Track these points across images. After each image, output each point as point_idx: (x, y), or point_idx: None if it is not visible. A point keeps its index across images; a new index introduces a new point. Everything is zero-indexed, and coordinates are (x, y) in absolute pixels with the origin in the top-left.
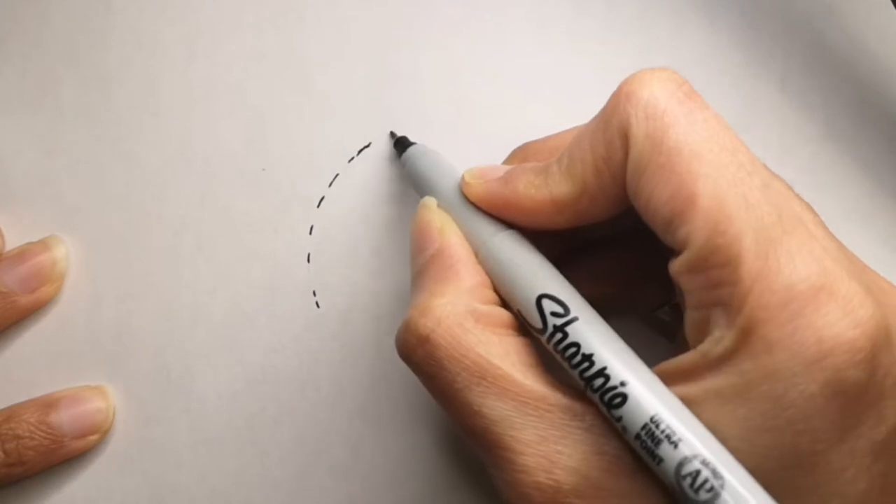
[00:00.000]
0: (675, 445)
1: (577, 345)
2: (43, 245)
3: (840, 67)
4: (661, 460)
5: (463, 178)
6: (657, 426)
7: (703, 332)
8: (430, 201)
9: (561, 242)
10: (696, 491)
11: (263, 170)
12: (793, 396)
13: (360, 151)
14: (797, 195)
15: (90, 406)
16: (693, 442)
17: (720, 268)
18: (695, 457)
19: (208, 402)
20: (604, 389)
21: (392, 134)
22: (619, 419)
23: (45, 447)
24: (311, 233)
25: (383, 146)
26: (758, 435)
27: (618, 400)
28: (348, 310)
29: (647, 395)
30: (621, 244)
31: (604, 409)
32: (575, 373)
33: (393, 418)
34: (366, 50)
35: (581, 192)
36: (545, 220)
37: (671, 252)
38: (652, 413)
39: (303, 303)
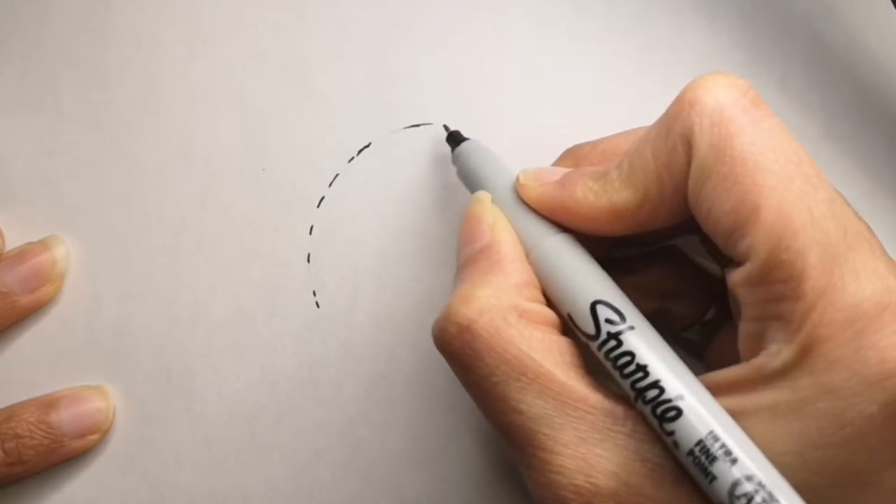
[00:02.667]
0: (733, 464)
1: (631, 354)
2: (43, 245)
3: (840, 67)
4: (714, 478)
5: (518, 179)
6: (714, 443)
7: (758, 346)
8: (483, 195)
9: (601, 250)
10: None
11: (263, 170)
12: (851, 415)
13: (360, 151)
14: (856, 212)
15: (90, 406)
16: (749, 463)
17: (783, 282)
18: (750, 478)
19: (208, 402)
20: (657, 402)
21: (445, 127)
22: (671, 433)
23: (45, 447)
24: (311, 233)
25: (383, 146)
26: (811, 451)
27: (672, 413)
28: (348, 310)
29: (703, 410)
30: (659, 257)
31: (654, 422)
32: (626, 382)
33: (393, 418)
34: (366, 50)
35: (642, 201)
36: (602, 227)
37: (729, 262)
38: (709, 429)
39: (303, 303)
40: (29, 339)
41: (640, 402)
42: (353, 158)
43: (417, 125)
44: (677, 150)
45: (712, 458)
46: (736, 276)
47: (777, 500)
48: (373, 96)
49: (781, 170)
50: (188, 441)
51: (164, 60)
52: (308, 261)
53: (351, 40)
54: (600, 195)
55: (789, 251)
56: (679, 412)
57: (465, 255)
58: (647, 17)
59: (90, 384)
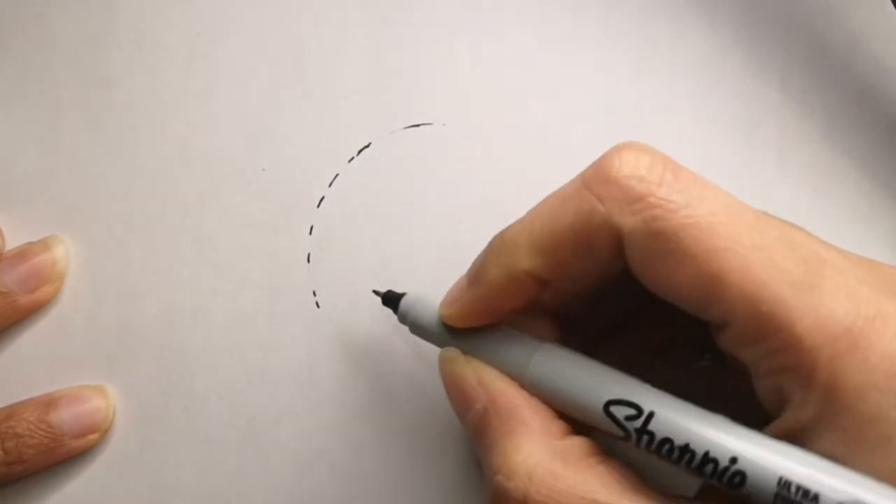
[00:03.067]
0: (817, 500)
1: (668, 440)
2: (43, 245)
3: (840, 67)
4: None
5: (440, 316)
6: (789, 490)
7: (780, 399)
8: (451, 353)
9: (591, 326)
10: None
11: (263, 170)
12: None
13: (360, 151)
14: (796, 226)
15: (90, 405)
16: (833, 484)
17: (775, 334)
18: (841, 495)
19: (208, 402)
20: (718, 474)
21: (376, 292)
22: (749, 495)
23: (45, 446)
24: (311, 233)
25: (383, 146)
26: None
27: (738, 479)
28: (348, 310)
29: (763, 461)
30: (642, 309)
31: (730, 490)
32: (680, 468)
33: (393, 418)
34: (366, 50)
35: (556, 265)
36: (528, 293)
37: (709, 324)
38: (779, 476)
39: (303, 303)
40: (29, 339)
41: (705, 478)
42: (353, 158)
43: (417, 125)
44: (602, 231)
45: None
46: (727, 341)
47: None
48: (373, 96)
49: (726, 229)
50: (188, 441)
51: (164, 60)
52: (308, 261)
53: (351, 40)
54: (512, 266)
55: (766, 303)
56: (743, 476)
57: (472, 423)
58: (646, 17)
59: (90, 384)
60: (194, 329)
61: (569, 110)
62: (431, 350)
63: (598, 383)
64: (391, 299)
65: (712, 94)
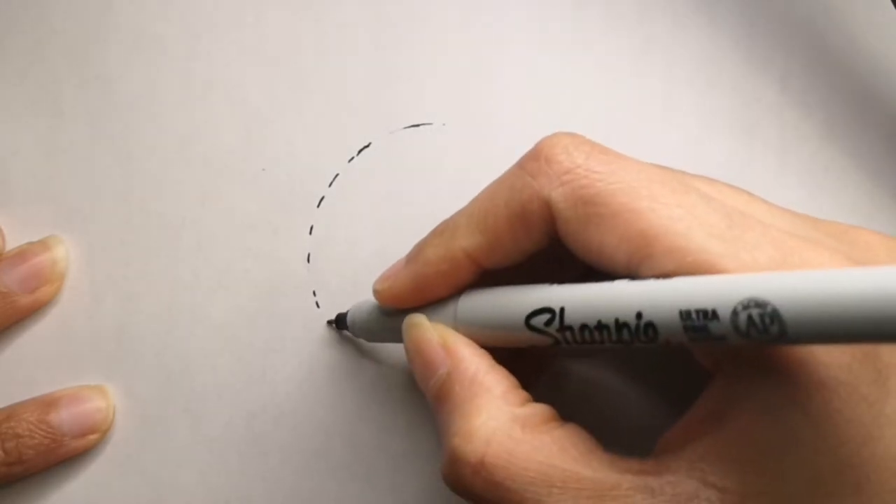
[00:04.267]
0: (716, 314)
1: (585, 326)
2: (43, 245)
3: (840, 67)
4: (707, 333)
5: (374, 290)
6: (689, 317)
7: (715, 356)
8: (417, 318)
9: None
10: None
11: (263, 170)
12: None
13: (360, 151)
14: (724, 183)
15: (90, 405)
16: (721, 295)
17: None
18: (732, 302)
19: (208, 402)
20: (634, 333)
21: (329, 323)
22: (668, 342)
23: (45, 446)
24: (311, 233)
25: (383, 146)
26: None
27: (650, 331)
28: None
29: (660, 304)
30: None
31: (651, 345)
32: (609, 345)
33: (393, 418)
34: (366, 50)
35: (493, 243)
36: (463, 273)
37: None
38: (677, 310)
39: (303, 303)
40: (29, 339)
41: (630, 344)
42: (353, 158)
43: (417, 125)
44: (533, 203)
45: (699, 327)
46: None
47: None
48: (373, 96)
49: (649, 191)
50: (188, 441)
51: (164, 60)
52: (308, 261)
53: (351, 40)
54: (450, 243)
55: (691, 253)
56: (653, 325)
57: (434, 388)
58: (646, 16)
59: (90, 384)
60: (194, 329)
61: (569, 110)
62: None
63: (514, 303)
64: (339, 321)
65: (712, 94)
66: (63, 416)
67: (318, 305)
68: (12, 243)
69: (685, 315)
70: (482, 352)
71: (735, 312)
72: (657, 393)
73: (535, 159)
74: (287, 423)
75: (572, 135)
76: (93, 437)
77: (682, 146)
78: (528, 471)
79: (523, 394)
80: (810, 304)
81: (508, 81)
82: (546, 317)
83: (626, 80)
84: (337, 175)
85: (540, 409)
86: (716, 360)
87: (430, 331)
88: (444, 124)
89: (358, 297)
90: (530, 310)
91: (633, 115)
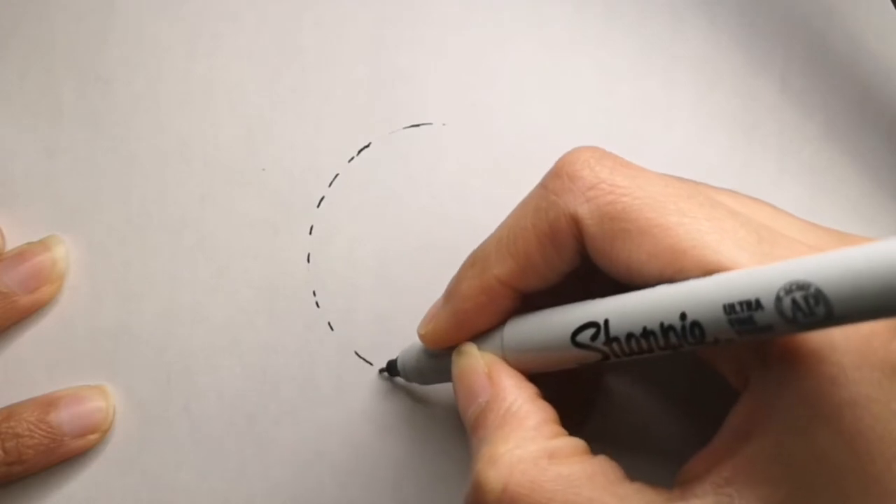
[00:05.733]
0: (759, 304)
1: (631, 335)
2: (43, 245)
3: (840, 67)
4: (753, 325)
5: (419, 334)
6: (734, 310)
7: (742, 369)
8: (467, 346)
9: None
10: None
11: (263, 170)
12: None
13: (360, 151)
14: (750, 197)
15: (90, 405)
16: (762, 283)
17: None
18: (774, 287)
19: (208, 402)
20: (682, 335)
21: (381, 371)
22: (716, 340)
23: (45, 446)
24: (311, 233)
25: (383, 146)
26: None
27: (697, 331)
28: (348, 310)
29: (702, 301)
30: None
31: (700, 346)
32: (657, 353)
33: (393, 418)
34: (366, 50)
35: (525, 266)
36: (499, 301)
37: None
38: (720, 304)
39: (303, 303)
40: (29, 339)
41: (678, 348)
42: (353, 158)
43: (417, 125)
44: (560, 221)
45: (744, 320)
46: None
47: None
48: (373, 96)
49: (676, 206)
50: (188, 441)
51: (164, 60)
52: (308, 261)
53: (351, 40)
54: (483, 274)
55: (722, 266)
56: (698, 325)
57: (472, 416)
58: (646, 17)
59: (90, 384)
60: (194, 329)
61: (568, 110)
62: None
63: (558, 322)
64: (390, 368)
65: (712, 94)
66: (63, 416)
67: (318, 305)
68: (12, 243)
69: (729, 309)
70: (526, 384)
71: (779, 298)
72: (684, 416)
73: (557, 177)
74: (287, 423)
75: (593, 148)
76: (93, 436)
77: (681, 146)
78: (552, 501)
79: (557, 427)
80: (853, 280)
81: (508, 81)
82: (591, 331)
83: (626, 80)
84: (337, 175)
85: (571, 442)
86: (745, 379)
87: (477, 359)
88: (444, 124)
89: (358, 297)
90: (575, 326)
91: (632, 115)
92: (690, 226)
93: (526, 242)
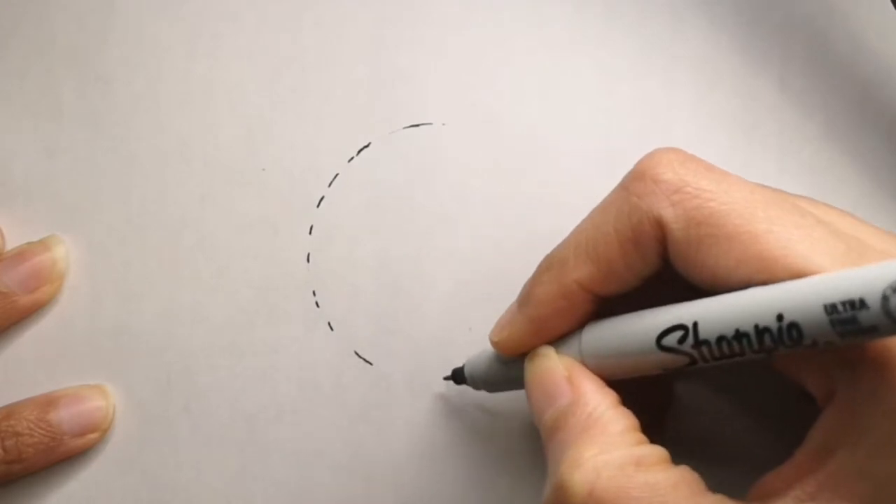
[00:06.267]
0: (864, 303)
1: (722, 337)
2: (43, 245)
3: (840, 67)
4: (857, 325)
5: (491, 342)
6: (836, 311)
7: (829, 383)
8: (547, 350)
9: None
10: None
11: (263, 170)
12: None
13: (360, 151)
14: (832, 207)
15: (90, 404)
16: (866, 283)
17: None
18: (881, 286)
19: (208, 402)
20: (778, 338)
21: (446, 379)
22: (814, 342)
23: (45, 445)
24: (311, 233)
25: (383, 146)
26: None
27: (795, 332)
28: (348, 310)
29: (802, 302)
30: None
31: (798, 348)
32: (748, 356)
33: (393, 418)
34: (366, 50)
35: (607, 271)
36: (577, 305)
37: None
38: (821, 304)
39: (303, 303)
40: (29, 339)
41: (772, 351)
42: (353, 158)
43: (417, 125)
44: (644, 224)
45: (847, 320)
46: None
47: None
48: (373, 96)
49: (765, 213)
50: (188, 441)
51: (164, 60)
52: (308, 261)
53: (351, 40)
54: (562, 278)
55: (812, 273)
56: (797, 326)
57: (551, 419)
58: (646, 17)
59: (90, 383)
60: (194, 329)
61: (568, 110)
62: (432, 349)
63: (643, 325)
64: (456, 375)
65: (712, 94)
66: (63, 415)
67: (317, 305)
68: (12, 243)
69: (830, 309)
70: (607, 390)
71: (885, 297)
72: (756, 427)
73: (639, 179)
74: (287, 423)
75: (675, 150)
76: (92, 436)
77: (681, 146)
78: None
79: (641, 436)
80: None
81: (508, 81)
82: (679, 334)
83: (626, 80)
84: (337, 175)
85: (655, 451)
86: (830, 391)
87: (556, 362)
88: (444, 124)
89: (358, 297)
90: (661, 329)
91: (632, 115)
92: (780, 233)
93: (607, 246)
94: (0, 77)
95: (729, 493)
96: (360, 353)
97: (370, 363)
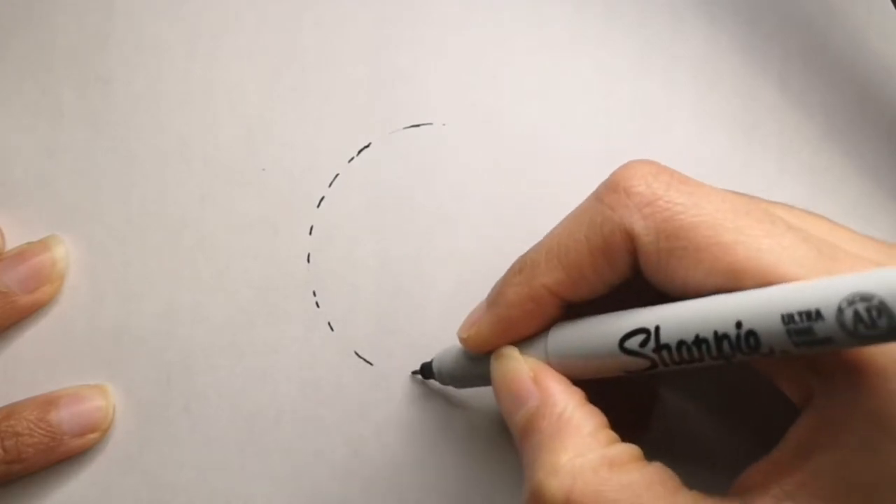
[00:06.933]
0: (819, 314)
1: (682, 342)
2: (43, 245)
3: (840, 67)
4: (812, 336)
5: (459, 338)
6: (793, 320)
7: (804, 388)
8: (509, 350)
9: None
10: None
11: (263, 170)
12: None
13: (360, 151)
14: (807, 212)
15: (90, 404)
16: (826, 293)
17: None
18: (837, 299)
19: (208, 402)
20: (736, 345)
21: (414, 374)
22: (771, 350)
23: (45, 445)
24: (311, 233)
25: (383, 146)
26: None
27: (752, 340)
28: (348, 310)
29: (759, 310)
30: None
31: (754, 356)
32: (707, 362)
33: (393, 418)
34: (366, 50)
35: (577, 278)
36: (546, 308)
37: None
38: (779, 314)
39: (303, 303)
40: (29, 339)
41: (731, 357)
42: (353, 158)
43: (417, 125)
44: (615, 235)
45: (803, 330)
46: None
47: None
48: (373, 96)
49: (734, 224)
50: (188, 441)
51: (164, 60)
52: (308, 261)
53: (351, 40)
54: (532, 282)
55: (780, 282)
56: (754, 334)
57: (522, 420)
58: (646, 17)
59: (90, 383)
60: (194, 329)
61: (568, 110)
62: (432, 349)
63: (607, 328)
64: (424, 370)
65: (712, 94)
66: (63, 415)
67: (318, 305)
68: (12, 243)
69: (787, 319)
70: (574, 389)
71: (840, 310)
72: (736, 427)
73: (613, 191)
74: (287, 423)
75: (650, 163)
76: (92, 436)
77: (681, 146)
78: None
79: (611, 433)
80: None
81: (508, 81)
82: (641, 338)
83: (626, 80)
84: (337, 175)
85: (627, 449)
86: (807, 394)
87: (521, 363)
88: (444, 124)
89: (358, 297)
90: (624, 332)
91: (632, 115)
92: (749, 243)
93: (578, 254)
94: (0, 77)
95: (714, 492)
96: (360, 353)
97: (370, 363)
